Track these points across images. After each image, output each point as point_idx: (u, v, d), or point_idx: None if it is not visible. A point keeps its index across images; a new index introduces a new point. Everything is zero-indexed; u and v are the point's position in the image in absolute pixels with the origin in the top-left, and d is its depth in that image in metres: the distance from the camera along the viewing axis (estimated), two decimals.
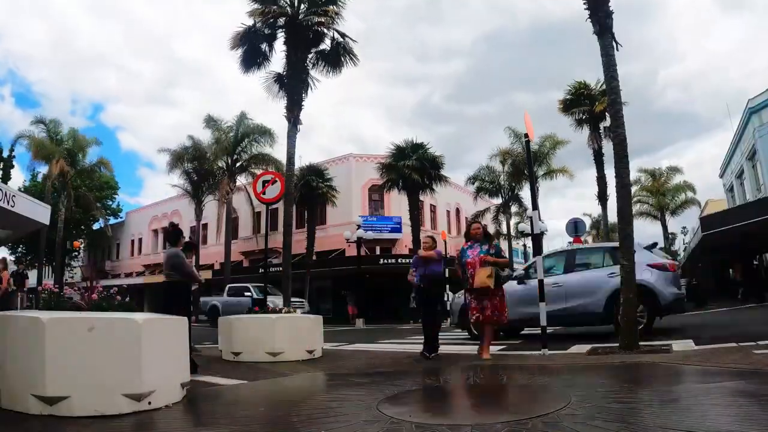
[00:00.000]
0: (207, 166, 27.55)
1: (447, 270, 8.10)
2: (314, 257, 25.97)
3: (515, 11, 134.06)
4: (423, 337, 6.58)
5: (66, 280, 34.23)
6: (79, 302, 4.31)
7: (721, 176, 30.89)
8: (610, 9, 6.41)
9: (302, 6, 13.49)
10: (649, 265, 7.44)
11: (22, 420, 3.07)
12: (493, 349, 7.44)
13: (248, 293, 18.49)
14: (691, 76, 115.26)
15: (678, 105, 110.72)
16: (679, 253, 37.88)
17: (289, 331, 6.85)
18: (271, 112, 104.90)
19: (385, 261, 24.54)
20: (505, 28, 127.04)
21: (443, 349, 6.81)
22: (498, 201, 29.66)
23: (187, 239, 6.74)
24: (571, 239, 19.75)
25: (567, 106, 21.38)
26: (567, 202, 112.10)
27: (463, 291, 6.92)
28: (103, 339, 3.29)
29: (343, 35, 13.77)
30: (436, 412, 3.47)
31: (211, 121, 27.22)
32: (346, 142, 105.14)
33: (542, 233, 21.26)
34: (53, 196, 27.30)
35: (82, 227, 37.93)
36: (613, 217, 15.54)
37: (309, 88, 13.61)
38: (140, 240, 41.88)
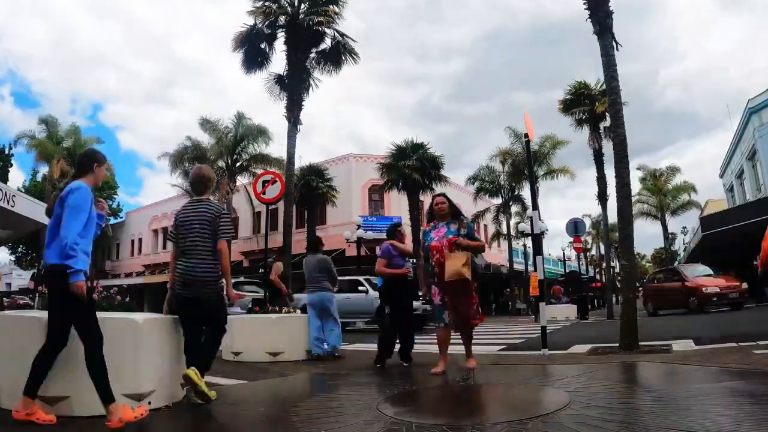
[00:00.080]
0: None
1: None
2: None
3: (515, 11, 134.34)
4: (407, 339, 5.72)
5: None
6: None
7: (721, 176, 30.90)
8: (610, 9, 6.42)
9: (302, 6, 13.53)
10: None
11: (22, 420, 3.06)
12: (493, 349, 7.45)
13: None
14: (691, 75, 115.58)
15: (678, 105, 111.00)
16: (679, 253, 37.89)
17: (289, 331, 6.86)
18: (271, 113, 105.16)
19: None
20: (504, 27, 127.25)
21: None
22: (498, 201, 29.68)
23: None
24: (572, 239, 19.77)
25: (567, 106, 21.35)
26: (567, 202, 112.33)
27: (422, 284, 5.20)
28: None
29: (343, 35, 13.83)
30: (436, 412, 3.47)
31: (206, 123, 27.13)
32: (346, 141, 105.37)
33: (542, 233, 21.28)
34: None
35: None
36: (613, 217, 15.53)
37: (309, 88, 13.66)
38: (140, 240, 41.87)
